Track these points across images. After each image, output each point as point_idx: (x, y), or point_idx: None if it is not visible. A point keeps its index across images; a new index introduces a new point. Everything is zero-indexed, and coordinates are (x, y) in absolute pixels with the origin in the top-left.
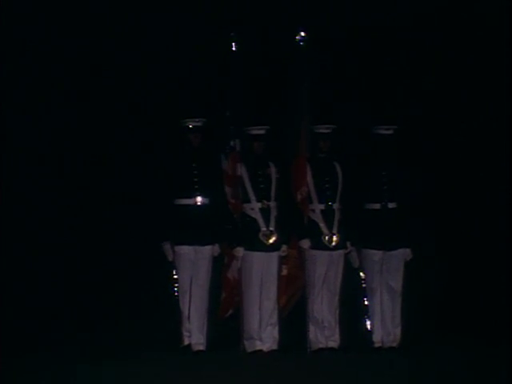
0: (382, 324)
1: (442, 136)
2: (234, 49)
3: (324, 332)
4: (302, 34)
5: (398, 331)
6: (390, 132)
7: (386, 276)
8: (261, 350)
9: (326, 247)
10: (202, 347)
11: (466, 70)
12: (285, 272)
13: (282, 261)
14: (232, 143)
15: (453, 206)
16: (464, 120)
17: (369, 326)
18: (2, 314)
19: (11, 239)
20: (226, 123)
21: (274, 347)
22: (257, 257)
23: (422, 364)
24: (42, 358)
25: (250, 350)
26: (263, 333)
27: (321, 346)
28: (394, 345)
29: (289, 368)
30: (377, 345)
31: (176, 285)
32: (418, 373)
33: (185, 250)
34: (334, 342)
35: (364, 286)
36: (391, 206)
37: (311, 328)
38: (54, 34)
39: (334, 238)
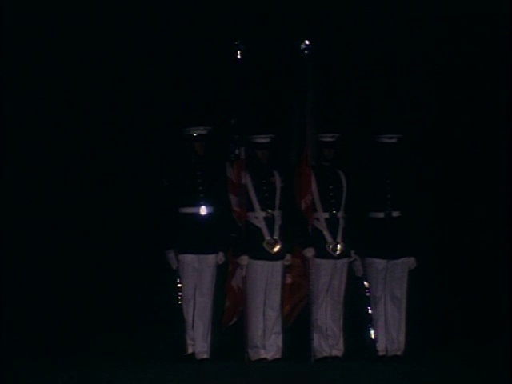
0: (386, 332)
1: (444, 143)
2: (238, 57)
3: (328, 340)
4: (307, 42)
5: (402, 339)
6: (393, 141)
7: (390, 284)
8: (265, 359)
9: (330, 256)
10: (206, 355)
11: (468, 77)
12: (289, 281)
13: (287, 269)
14: (237, 151)
15: (455, 213)
16: (466, 128)
17: (373, 335)
18: (2, 314)
19: (12, 240)
20: (230, 131)
21: (278, 356)
22: (261, 265)
23: (426, 372)
24: (44, 364)
25: (254, 359)
26: (267, 341)
27: (325, 354)
28: (399, 353)
29: (293, 376)
30: (381, 353)
31: (180, 293)
32: (422, 381)
33: (189, 258)
34: (337, 350)
35: (368, 294)
36: (395, 214)
37: (315, 336)
38: (56, 37)
39: (338, 247)
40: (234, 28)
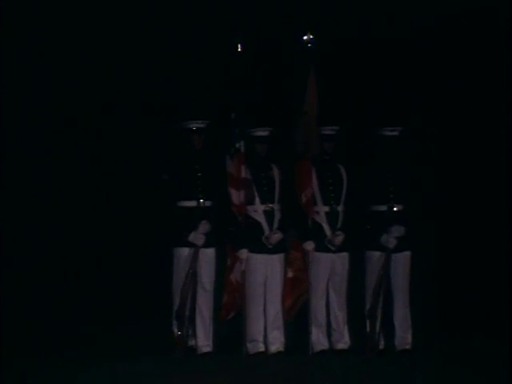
0: (391, 327)
1: (445, 137)
2: (239, 50)
3: (333, 334)
4: (308, 35)
5: (409, 334)
6: (395, 133)
7: (392, 278)
8: (263, 352)
9: (330, 249)
10: (208, 349)
11: (471, 72)
12: (290, 275)
13: (287, 264)
14: (237, 145)
15: (455, 207)
16: (467, 122)
17: (376, 328)
18: (2, 314)
19: (12, 240)
20: (230, 125)
21: (281, 349)
22: (260, 259)
23: (423, 370)
24: (45, 363)
25: (252, 353)
26: (270, 335)
27: (323, 348)
28: (407, 347)
29: (290, 370)
30: (381, 347)
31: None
32: (420, 379)
33: (186, 251)
34: (344, 343)
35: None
36: (397, 208)
37: (313, 330)
38: (56, 33)
39: (338, 239)
40: (234, 21)
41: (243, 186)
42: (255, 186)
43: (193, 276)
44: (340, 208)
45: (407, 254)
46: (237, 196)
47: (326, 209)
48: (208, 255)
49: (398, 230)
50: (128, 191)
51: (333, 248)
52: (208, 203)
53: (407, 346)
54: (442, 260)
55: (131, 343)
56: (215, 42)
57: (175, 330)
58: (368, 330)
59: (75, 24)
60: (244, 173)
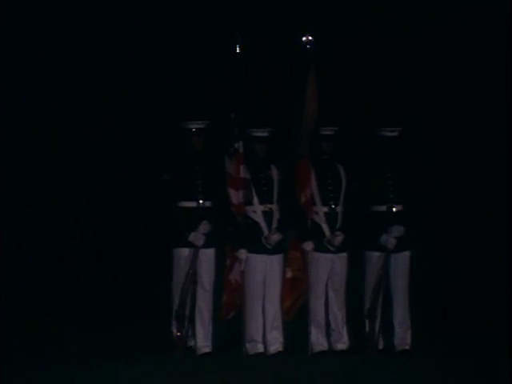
0: (391, 327)
1: (445, 137)
2: (237, 50)
3: (332, 335)
4: (307, 36)
5: (409, 334)
6: (394, 134)
7: (392, 278)
8: (262, 353)
9: (329, 249)
10: (208, 349)
11: (471, 72)
12: (289, 275)
13: (287, 264)
14: (236, 145)
15: (455, 207)
16: (467, 122)
17: (375, 329)
18: (2, 313)
19: (12, 239)
20: (229, 125)
21: (280, 349)
22: (259, 259)
23: (423, 369)
24: (44, 361)
25: (251, 353)
26: (268, 335)
27: (322, 348)
28: (407, 347)
29: (288, 371)
30: (381, 347)
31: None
32: (419, 378)
33: (186, 252)
34: (343, 344)
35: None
36: (397, 208)
37: (313, 330)
38: (56, 33)
39: (338, 239)
40: (234, 21)
41: (242, 186)
42: (254, 186)
43: (193, 276)
44: (339, 208)
45: (407, 254)
46: (236, 196)
47: (325, 209)
48: (208, 255)
49: (397, 230)
50: (128, 191)
51: (332, 248)
52: (208, 203)
53: (406, 346)
54: (442, 260)
55: (131, 343)
56: (215, 43)
57: (175, 330)
58: (367, 330)
59: (75, 24)
60: (243, 173)
